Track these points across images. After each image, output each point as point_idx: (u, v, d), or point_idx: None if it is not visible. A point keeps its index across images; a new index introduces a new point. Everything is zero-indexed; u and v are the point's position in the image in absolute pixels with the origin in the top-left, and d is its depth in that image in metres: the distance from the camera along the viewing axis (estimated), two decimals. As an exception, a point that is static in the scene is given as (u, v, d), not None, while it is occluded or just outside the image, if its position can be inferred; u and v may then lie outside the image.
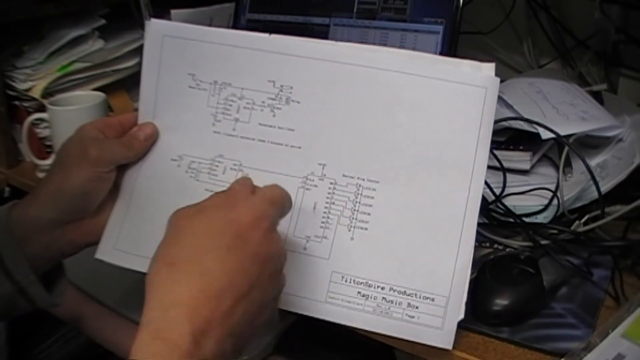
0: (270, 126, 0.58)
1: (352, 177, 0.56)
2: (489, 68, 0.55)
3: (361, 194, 0.55)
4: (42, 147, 0.89)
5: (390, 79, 0.55)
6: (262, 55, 0.58)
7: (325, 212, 0.56)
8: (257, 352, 0.69)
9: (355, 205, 0.55)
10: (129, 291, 0.78)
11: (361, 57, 0.56)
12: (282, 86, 0.58)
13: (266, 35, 0.58)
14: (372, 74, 0.56)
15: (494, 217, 0.69)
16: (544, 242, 0.64)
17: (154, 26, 0.61)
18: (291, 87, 0.57)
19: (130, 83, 0.98)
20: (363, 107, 0.56)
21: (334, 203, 0.56)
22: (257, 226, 0.44)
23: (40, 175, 0.88)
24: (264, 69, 0.58)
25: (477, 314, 0.56)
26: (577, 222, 0.66)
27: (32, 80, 0.88)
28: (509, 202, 0.69)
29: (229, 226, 0.44)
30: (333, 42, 0.59)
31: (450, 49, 0.72)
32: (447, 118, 0.54)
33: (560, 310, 0.58)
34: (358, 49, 0.57)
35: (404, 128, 0.55)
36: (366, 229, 0.55)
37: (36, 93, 0.87)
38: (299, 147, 0.57)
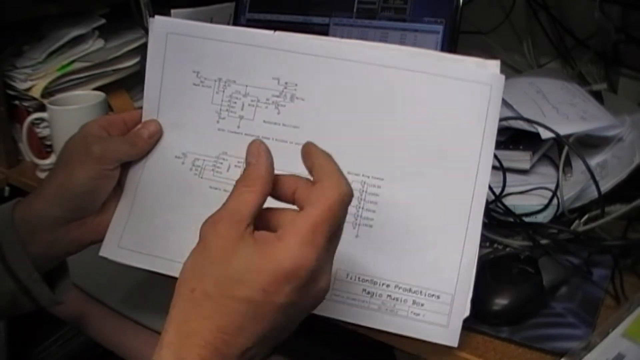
0: (275, 123, 0.58)
1: (357, 175, 0.55)
2: (494, 65, 0.55)
3: (366, 191, 0.55)
4: (42, 147, 0.89)
5: (395, 76, 0.55)
6: (267, 52, 0.58)
7: None
8: (257, 351, 0.69)
9: (360, 203, 0.55)
10: (130, 291, 0.78)
11: (366, 54, 0.56)
12: (286, 83, 0.57)
13: (271, 32, 0.58)
14: (377, 71, 0.56)
15: (493, 216, 0.69)
16: (543, 241, 0.64)
17: (158, 23, 0.61)
18: (296, 85, 0.57)
19: (130, 83, 0.98)
20: (368, 104, 0.56)
21: None
22: (289, 279, 0.40)
23: (40, 174, 0.88)
24: (268, 66, 0.58)
25: (477, 314, 0.56)
26: (577, 221, 0.66)
27: (32, 80, 0.88)
28: (508, 201, 0.69)
29: (256, 274, 0.40)
30: (338, 39, 0.59)
31: (450, 48, 0.72)
32: (452, 115, 0.54)
33: (560, 310, 0.58)
34: (363, 46, 0.57)
35: (409, 125, 0.55)
36: (371, 226, 0.55)
37: (36, 93, 0.87)
38: None
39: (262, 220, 0.43)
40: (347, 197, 0.42)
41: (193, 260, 0.42)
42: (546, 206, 0.69)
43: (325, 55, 0.57)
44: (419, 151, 0.55)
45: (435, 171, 0.54)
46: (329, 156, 0.44)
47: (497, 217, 0.69)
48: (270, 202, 0.45)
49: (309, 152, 0.45)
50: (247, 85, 0.59)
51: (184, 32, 0.60)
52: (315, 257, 0.40)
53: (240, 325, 0.40)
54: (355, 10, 0.77)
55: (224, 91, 0.59)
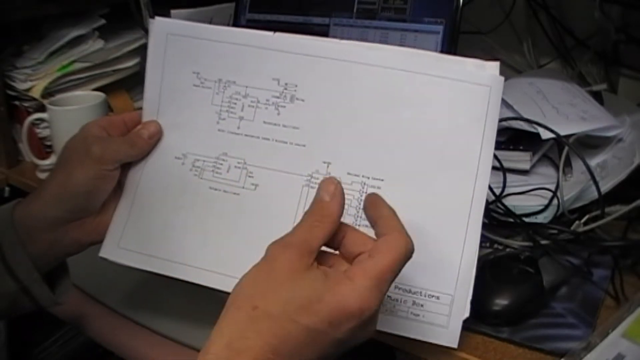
0: (275, 124, 0.58)
1: (357, 175, 0.55)
2: (492, 67, 0.55)
3: (366, 192, 0.55)
4: (42, 147, 0.89)
5: (394, 77, 0.55)
6: (267, 53, 0.58)
7: None
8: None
9: (360, 204, 0.55)
10: (130, 291, 0.78)
11: (366, 56, 0.56)
12: (286, 84, 0.58)
13: (270, 33, 0.58)
14: (376, 72, 0.56)
15: (494, 217, 0.69)
16: (544, 242, 0.64)
17: (158, 24, 0.60)
18: (296, 85, 0.57)
19: (130, 83, 0.98)
20: (367, 105, 0.56)
21: None
22: (353, 317, 0.41)
23: (40, 175, 0.88)
24: (268, 67, 0.58)
25: (477, 314, 0.56)
26: (577, 222, 0.66)
27: (32, 80, 0.88)
28: (509, 202, 0.69)
29: (325, 305, 0.41)
30: (337, 40, 0.59)
31: (450, 49, 0.72)
32: (452, 116, 0.54)
33: (560, 310, 0.58)
34: (363, 47, 0.57)
35: (409, 126, 0.55)
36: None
37: (36, 93, 0.87)
38: (304, 145, 0.57)
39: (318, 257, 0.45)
40: (411, 253, 0.44)
41: (253, 277, 0.43)
42: (546, 206, 0.69)
43: (325, 56, 0.57)
44: (419, 152, 0.55)
45: (435, 172, 0.54)
46: (393, 210, 0.47)
47: (497, 218, 0.69)
48: None
49: (375, 204, 0.48)
50: (247, 86, 0.59)
51: (184, 33, 0.60)
52: (378, 302, 0.42)
53: (293, 350, 0.40)
54: (355, 10, 0.77)
55: (224, 92, 0.59)
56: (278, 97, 0.58)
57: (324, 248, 0.46)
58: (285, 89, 0.57)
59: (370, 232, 0.54)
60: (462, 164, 0.54)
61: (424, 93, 0.55)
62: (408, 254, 0.44)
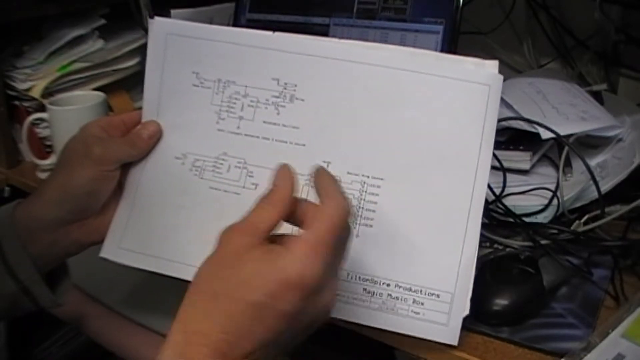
0: (275, 124, 0.58)
1: (357, 175, 0.56)
2: (492, 66, 0.55)
3: (366, 191, 0.55)
4: (42, 147, 0.89)
5: (393, 76, 0.55)
6: (266, 53, 0.58)
7: None
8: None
9: (360, 203, 0.55)
10: (130, 291, 0.78)
11: (365, 55, 0.56)
12: (286, 84, 0.58)
13: (270, 33, 0.58)
14: (375, 72, 0.56)
15: (494, 217, 0.69)
16: (544, 242, 0.64)
17: (158, 24, 0.60)
18: (295, 85, 0.57)
19: (130, 83, 0.98)
20: (367, 104, 0.56)
21: None
22: (294, 287, 0.41)
23: (41, 175, 0.88)
24: (268, 66, 0.58)
25: (477, 314, 0.56)
26: (577, 222, 0.66)
27: (32, 80, 0.88)
28: (509, 202, 0.69)
29: (265, 279, 0.42)
30: (336, 39, 0.59)
31: (450, 49, 0.72)
32: (451, 115, 0.54)
33: (560, 310, 0.58)
34: (361, 46, 0.57)
35: (408, 125, 0.55)
36: (371, 225, 0.55)
37: (36, 93, 0.87)
38: (304, 145, 0.57)
39: (274, 241, 0.45)
40: (347, 212, 0.45)
41: (206, 264, 0.44)
42: (546, 206, 0.69)
43: (324, 55, 0.57)
44: (419, 151, 0.55)
45: (434, 171, 0.54)
46: (333, 179, 0.48)
47: (497, 218, 0.69)
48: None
49: (318, 175, 0.48)
50: (246, 86, 0.59)
51: (184, 33, 0.60)
52: (319, 266, 0.42)
53: (243, 328, 0.41)
54: (355, 10, 0.77)
55: (223, 92, 0.59)
56: (278, 97, 0.58)
57: (289, 229, 0.46)
58: (285, 88, 0.57)
59: (367, 231, 0.55)
60: (462, 162, 0.54)
61: (423, 92, 0.55)
62: (343, 214, 0.44)
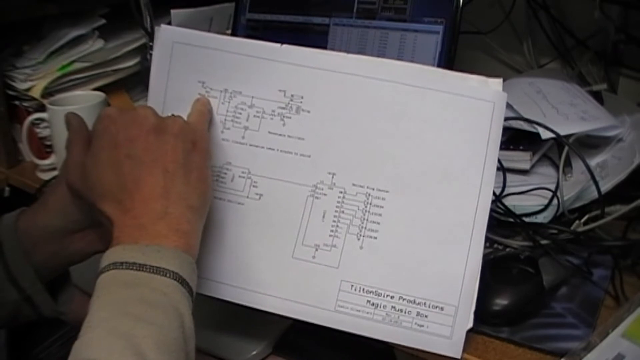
0: (280, 135, 0.58)
1: (362, 187, 0.56)
2: (496, 83, 0.56)
3: (371, 203, 0.55)
4: (42, 147, 0.89)
5: (400, 91, 0.56)
6: (274, 65, 0.58)
7: (334, 221, 0.56)
8: (256, 352, 0.69)
9: (364, 215, 0.55)
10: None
11: (371, 70, 0.57)
12: (292, 96, 0.58)
13: (278, 45, 0.58)
14: (381, 86, 0.56)
15: (494, 217, 0.69)
16: (543, 242, 0.64)
17: (164, 32, 0.60)
18: (302, 97, 0.58)
19: (130, 83, 0.98)
20: (372, 118, 0.56)
21: (343, 212, 0.56)
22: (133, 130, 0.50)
23: (41, 175, 0.88)
24: (274, 78, 0.58)
25: (477, 314, 0.56)
26: (577, 222, 0.66)
27: (32, 80, 0.88)
28: (509, 202, 0.69)
29: (108, 130, 0.51)
30: (344, 54, 0.59)
31: (450, 48, 0.72)
32: (456, 131, 0.55)
33: (560, 310, 0.58)
34: (368, 61, 0.58)
35: (413, 139, 0.56)
36: (375, 237, 0.55)
37: (36, 93, 0.87)
38: (309, 156, 0.57)
39: None
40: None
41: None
42: (546, 206, 0.69)
43: (332, 69, 0.57)
44: (424, 165, 0.55)
45: (439, 185, 0.55)
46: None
47: (497, 218, 0.69)
48: None
49: None
50: (253, 97, 0.59)
51: (191, 42, 0.60)
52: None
53: (100, 173, 0.50)
54: (355, 10, 0.77)
55: (229, 102, 0.59)
56: (284, 108, 0.58)
57: None
58: (291, 100, 0.58)
59: (371, 243, 0.54)
60: (466, 177, 0.54)
61: (428, 107, 0.55)
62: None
